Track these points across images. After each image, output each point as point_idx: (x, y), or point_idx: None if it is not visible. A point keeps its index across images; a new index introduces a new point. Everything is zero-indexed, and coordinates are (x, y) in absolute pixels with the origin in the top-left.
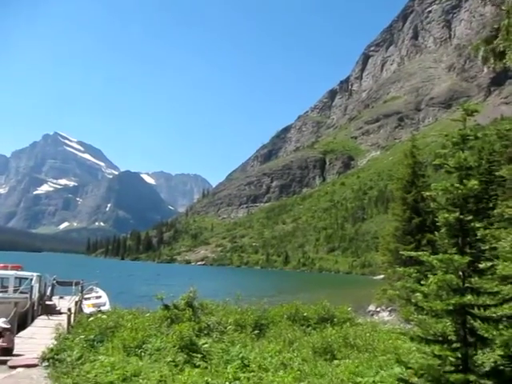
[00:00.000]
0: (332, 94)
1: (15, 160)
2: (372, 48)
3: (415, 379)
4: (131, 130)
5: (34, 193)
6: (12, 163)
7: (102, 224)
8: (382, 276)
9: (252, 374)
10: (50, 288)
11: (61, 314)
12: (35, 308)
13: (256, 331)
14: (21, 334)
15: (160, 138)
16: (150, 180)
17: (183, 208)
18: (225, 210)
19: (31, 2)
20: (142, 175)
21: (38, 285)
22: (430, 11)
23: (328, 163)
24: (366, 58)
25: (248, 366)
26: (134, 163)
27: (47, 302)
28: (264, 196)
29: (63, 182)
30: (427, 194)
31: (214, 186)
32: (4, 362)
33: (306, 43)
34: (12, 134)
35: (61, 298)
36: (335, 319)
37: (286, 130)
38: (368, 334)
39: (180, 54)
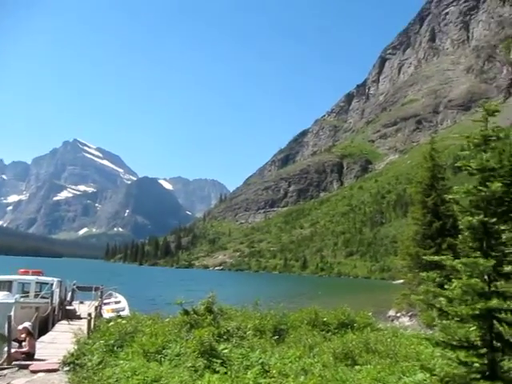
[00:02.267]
0: (349, 97)
1: (36, 167)
2: (389, 51)
3: None
4: (149, 136)
5: (54, 199)
6: (33, 170)
7: (120, 229)
8: (401, 281)
9: (272, 379)
10: (70, 293)
11: (81, 318)
12: (56, 313)
13: (275, 336)
14: (42, 338)
15: (177, 143)
16: (167, 185)
17: (201, 213)
18: (242, 215)
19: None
20: (159, 181)
21: (58, 290)
22: (447, 13)
23: (346, 167)
24: (382, 61)
25: (268, 371)
26: (151, 169)
27: (68, 307)
28: (281, 200)
29: (82, 188)
30: (450, 197)
31: (231, 191)
32: (26, 367)
33: (322, 47)
34: (33, 141)
35: (81, 303)
36: (355, 324)
37: (303, 134)
38: (389, 340)
39: (196, 60)
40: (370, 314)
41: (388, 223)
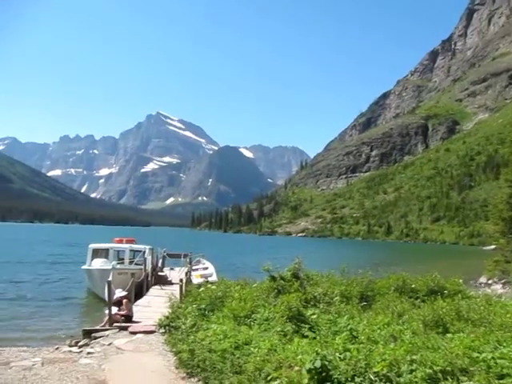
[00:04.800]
0: (433, 55)
1: (123, 141)
2: (477, 1)
3: None
4: (229, 106)
5: (142, 171)
6: (120, 144)
7: (204, 198)
8: (492, 246)
9: (361, 345)
10: (161, 260)
11: (172, 284)
12: (149, 278)
13: (362, 303)
14: (138, 302)
15: (257, 111)
16: (248, 154)
17: (282, 180)
18: (324, 181)
19: None
20: (240, 149)
21: (150, 257)
22: None
23: (431, 129)
24: (470, 12)
25: (357, 337)
26: (232, 138)
27: (159, 273)
28: (364, 165)
29: (167, 159)
30: None
31: (312, 158)
32: (125, 328)
33: (403, 3)
34: (119, 116)
35: (171, 269)
36: (445, 291)
37: (385, 96)
38: (482, 308)
39: (271, 26)
40: (460, 280)
41: (477, 186)
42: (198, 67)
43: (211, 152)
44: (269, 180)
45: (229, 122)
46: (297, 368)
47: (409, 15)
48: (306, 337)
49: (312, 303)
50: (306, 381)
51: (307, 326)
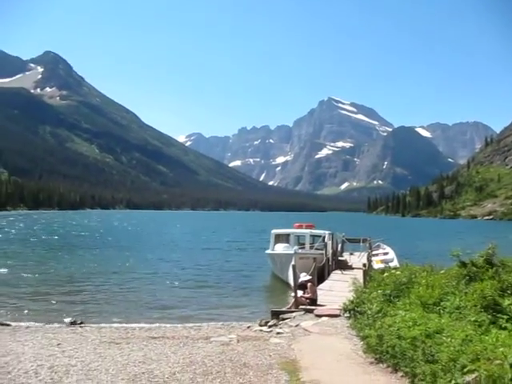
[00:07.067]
0: None
1: (297, 128)
2: None
3: None
4: (400, 84)
5: (316, 157)
6: (294, 132)
7: (380, 182)
8: None
9: None
10: (340, 245)
11: (352, 269)
12: (330, 263)
13: None
14: (320, 286)
15: (432, 87)
16: (425, 133)
17: (464, 159)
18: None
19: None
20: (416, 129)
21: (330, 242)
22: None
23: None
24: None
25: None
26: (407, 118)
27: (339, 258)
28: None
29: (340, 144)
30: None
31: (498, 132)
32: (311, 311)
33: None
34: (292, 104)
35: (351, 254)
36: None
37: None
38: None
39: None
40: None
41: None
42: (366, 49)
43: (385, 134)
44: (449, 160)
45: (402, 102)
46: (497, 361)
47: None
48: (505, 328)
49: (509, 292)
50: (509, 375)
51: (505, 316)
